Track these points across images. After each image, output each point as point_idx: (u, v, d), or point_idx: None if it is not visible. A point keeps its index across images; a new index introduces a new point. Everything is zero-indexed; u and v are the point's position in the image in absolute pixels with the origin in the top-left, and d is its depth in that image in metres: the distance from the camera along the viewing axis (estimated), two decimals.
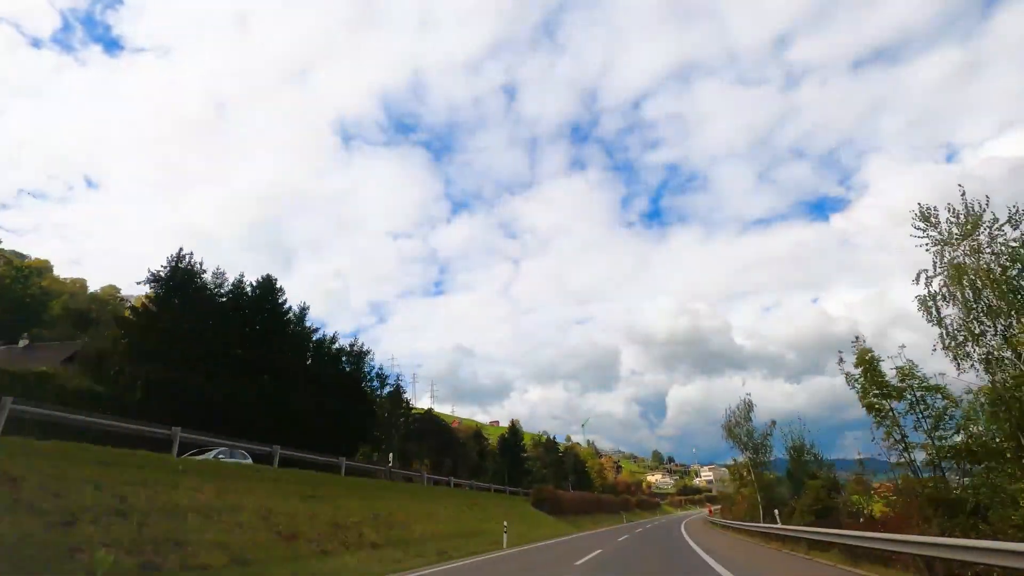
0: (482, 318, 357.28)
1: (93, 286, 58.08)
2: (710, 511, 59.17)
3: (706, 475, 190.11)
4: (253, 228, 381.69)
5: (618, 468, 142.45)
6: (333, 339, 33.46)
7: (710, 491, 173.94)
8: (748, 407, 28.17)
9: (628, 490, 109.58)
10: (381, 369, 38.20)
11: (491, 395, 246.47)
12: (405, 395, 39.32)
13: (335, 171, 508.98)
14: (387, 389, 38.22)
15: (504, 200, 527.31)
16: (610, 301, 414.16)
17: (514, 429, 62.17)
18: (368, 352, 36.67)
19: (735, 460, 45.04)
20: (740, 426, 27.97)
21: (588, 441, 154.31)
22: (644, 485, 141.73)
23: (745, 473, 28.02)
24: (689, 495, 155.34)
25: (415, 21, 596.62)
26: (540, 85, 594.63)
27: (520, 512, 29.22)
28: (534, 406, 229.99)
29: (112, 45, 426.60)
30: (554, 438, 77.94)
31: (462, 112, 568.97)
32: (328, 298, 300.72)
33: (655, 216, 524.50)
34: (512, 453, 59.89)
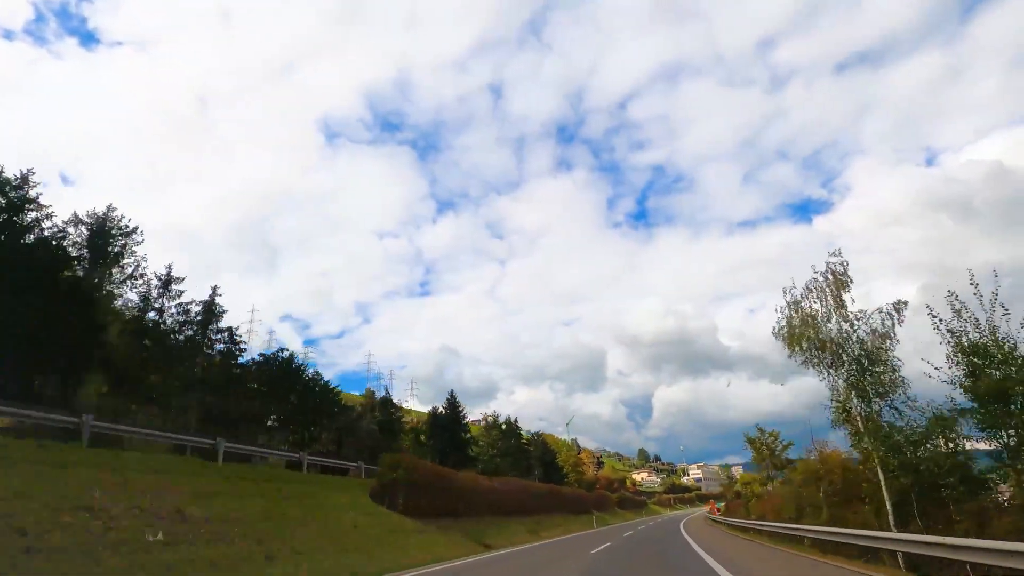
0: (468, 319, 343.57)
1: None
2: (713, 509, 43.08)
3: (695, 473, 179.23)
4: (238, 227, 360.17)
5: (599, 463, 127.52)
6: (22, 182, 17.31)
7: (699, 489, 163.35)
8: (841, 279, 12.67)
9: (610, 486, 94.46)
10: (169, 270, 22.02)
11: (477, 396, 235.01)
12: (222, 313, 23.19)
13: (320, 169, 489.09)
14: (181, 299, 22.11)
15: (491, 200, 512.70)
16: (597, 302, 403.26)
17: (453, 403, 46.33)
18: (132, 230, 20.62)
19: (761, 431, 30.00)
20: (822, 321, 12.54)
21: (572, 440, 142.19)
22: (629, 483, 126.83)
23: (849, 414, 12.12)
24: (678, 493, 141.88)
25: (401, 18, 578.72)
26: (527, 84, 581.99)
27: (296, 513, 12.93)
28: (521, 407, 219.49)
29: (88, 38, 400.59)
30: (515, 421, 62.47)
31: (448, 111, 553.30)
32: (313, 298, 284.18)
33: (641, 217, 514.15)
34: (448, 433, 44.08)
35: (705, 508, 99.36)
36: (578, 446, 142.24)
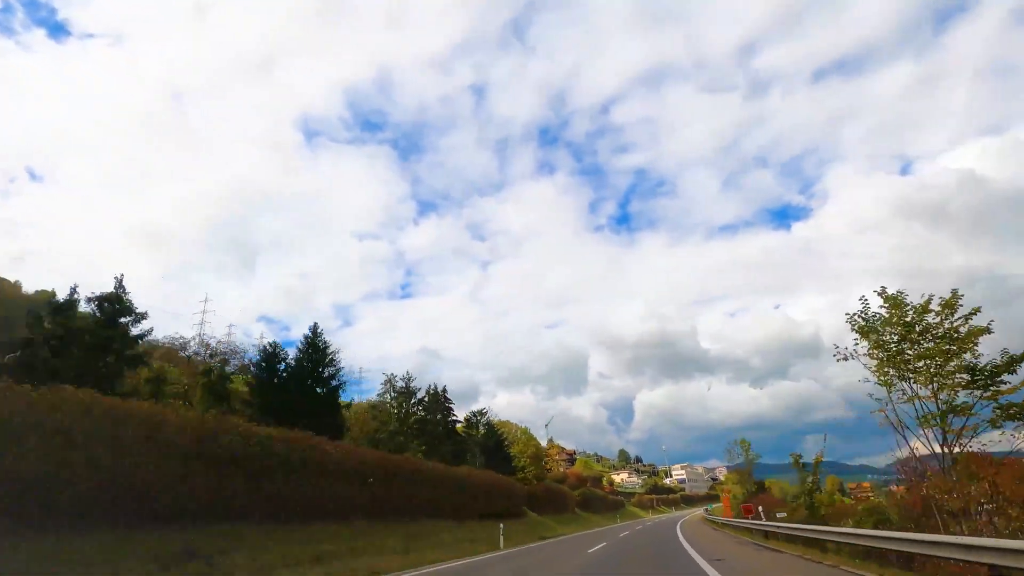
0: (450, 321, 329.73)
1: (40, 287, 37.18)
2: (749, 511, 24.31)
3: (678, 474, 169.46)
4: (214, 227, 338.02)
5: (571, 459, 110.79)
6: None
7: (683, 490, 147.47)
8: None
9: (581, 484, 77.42)
10: None
11: (458, 399, 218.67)
12: None
13: (299, 169, 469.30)
14: None
15: (473, 202, 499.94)
16: (579, 305, 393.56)
17: (313, 343, 28.74)
18: None
19: (895, 303, 12.61)
20: None
21: (549, 440, 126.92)
22: (605, 482, 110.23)
23: None
24: (660, 494, 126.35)
25: (382, 16, 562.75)
26: (510, 86, 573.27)
27: None
28: (502, 410, 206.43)
29: (57, 30, 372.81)
30: (444, 391, 45.12)
31: (430, 111, 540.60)
32: (292, 300, 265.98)
33: (624, 221, 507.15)
34: (300, 386, 26.55)
35: (694, 511, 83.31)
36: (551, 441, 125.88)
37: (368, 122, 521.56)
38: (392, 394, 38.01)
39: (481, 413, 51.59)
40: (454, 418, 44.86)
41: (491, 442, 50.53)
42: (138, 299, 18.86)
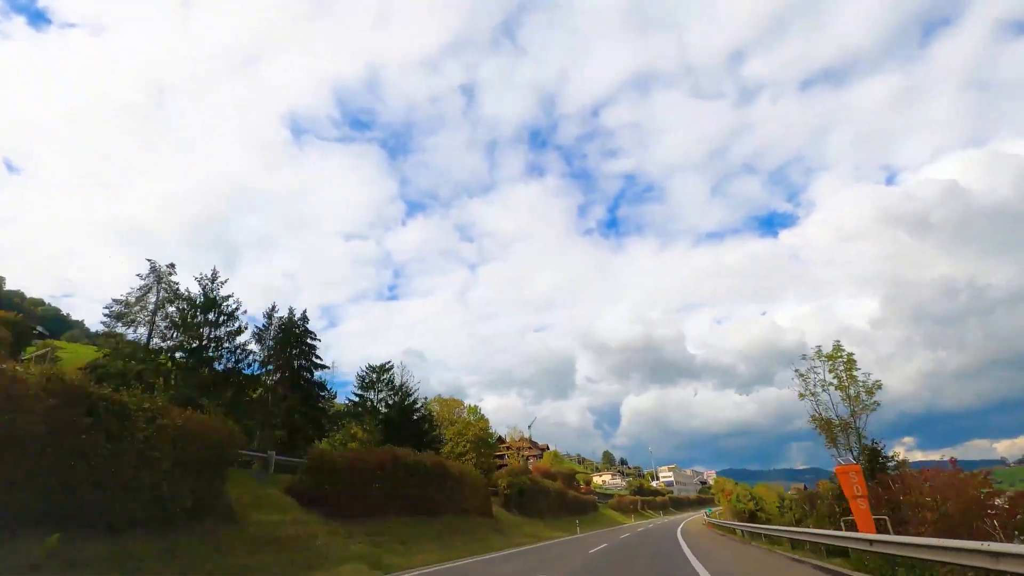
0: (437, 323, 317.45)
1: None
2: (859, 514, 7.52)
3: (665, 477, 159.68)
4: (196, 224, 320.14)
5: (540, 452, 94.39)
6: None
7: (671, 493, 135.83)
8: None
9: (552, 479, 60.85)
10: None
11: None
12: None
13: (285, 166, 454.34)
14: None
15: (462, 202, 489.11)
16: (567, 308, 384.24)
17: None
18: None
19: None
20: None
21: (523, 436, 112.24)
22: (581, 481, 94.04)
23: None
24: (646, 496, 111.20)
25: (371, 13, 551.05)
26: (500, 87, 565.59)
27: None
28: (488, 414, 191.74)
29: (37, 18, 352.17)
30: (304, 317, 28.42)
31: (419, 110, 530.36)
32: (276, 300, 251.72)
33: (612, 225, 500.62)
34: None
35: (687, 516, 69.09)
36: (525, 435, 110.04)
37: (357, 120, 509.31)
38: (160, 293, 20.77)
39: (383, 369, 34.74)
40: (318, 361, 28.00)
41: (393, 412, 33.78)
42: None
